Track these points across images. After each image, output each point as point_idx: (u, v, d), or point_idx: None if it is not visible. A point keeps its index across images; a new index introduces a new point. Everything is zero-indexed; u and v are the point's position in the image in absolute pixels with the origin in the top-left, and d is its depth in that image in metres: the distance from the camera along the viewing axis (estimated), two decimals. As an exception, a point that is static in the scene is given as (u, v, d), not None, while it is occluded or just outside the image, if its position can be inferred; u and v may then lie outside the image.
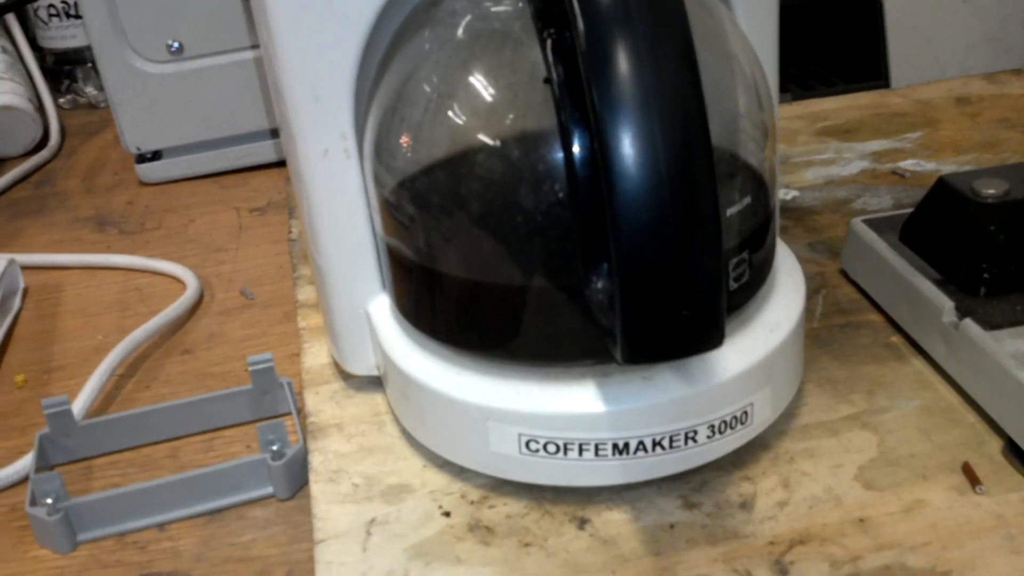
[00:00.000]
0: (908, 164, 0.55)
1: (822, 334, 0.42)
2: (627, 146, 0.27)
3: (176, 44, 0.61)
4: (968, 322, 0.36)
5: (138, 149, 0.64)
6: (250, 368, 0.41)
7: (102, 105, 0.79)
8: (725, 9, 0.36)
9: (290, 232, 0.55)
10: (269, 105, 0.63)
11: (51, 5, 0.75)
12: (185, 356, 0.47)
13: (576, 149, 0.30)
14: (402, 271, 0.37)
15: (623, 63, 0.27)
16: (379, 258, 0.38)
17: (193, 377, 0.45)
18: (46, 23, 0.76)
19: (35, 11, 0.76)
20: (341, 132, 0.36)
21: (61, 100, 0.78)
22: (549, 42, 0.30)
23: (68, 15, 0.76)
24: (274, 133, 0.64)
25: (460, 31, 0.34)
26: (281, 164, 0.65)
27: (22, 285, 0.54)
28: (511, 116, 0.33)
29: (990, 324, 0.36)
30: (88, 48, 0.77)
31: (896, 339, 0.41)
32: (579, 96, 0.29)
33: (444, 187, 0.34)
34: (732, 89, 0.33)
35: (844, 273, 0.46)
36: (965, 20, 0.65)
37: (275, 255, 0.55)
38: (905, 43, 0.65)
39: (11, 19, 0.77)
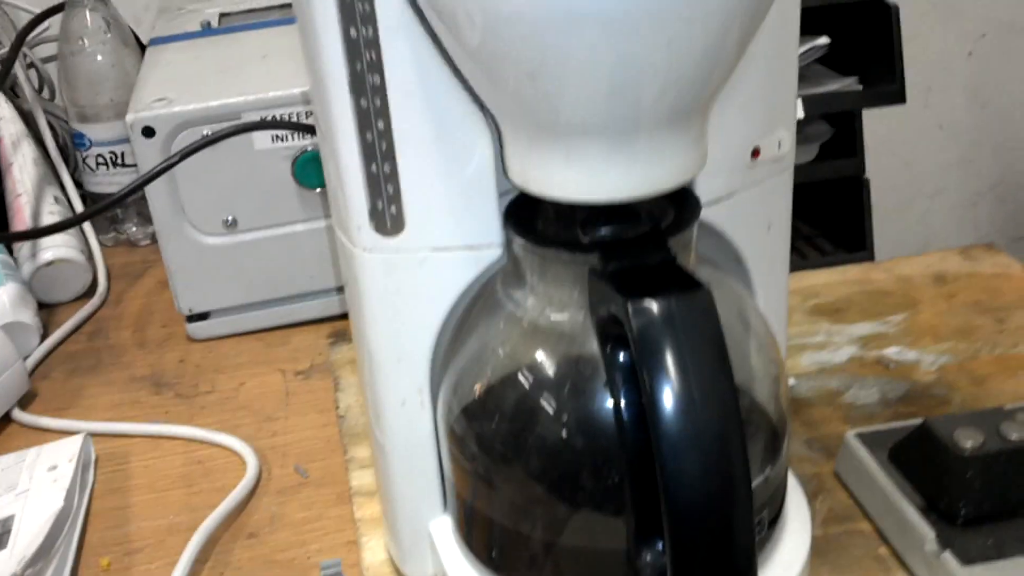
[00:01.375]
0: (892, 353, 0.62)
1: (820, 544, 0.48)
2: (678, 438, 0.33)
3: (231, 218, 0.67)
4: (947, 555, 0.43)
5: (190, 310, 0.70)
6: (322, 573, 0.46)
7: (142, 243, 0.84)
8: (746, 292, 0.43)
9: (337, 407, 0.61)
10: (310, 271, 0.69)
11: (99, 155, 0.81)
12: (251, 540, 0.53)
13: (631, 438, 0.36)
14: (462, 505, 0.43)
15: (670, 362, 0.33)
16: (443, 487, 0.44)
17: (261, 564, 0.51)
18: (94, 170, 0.82)
19: (84, 159, 0.82)
20: (418, 387, 0.42)
21: (103, 238, 0.84)
22: (608, 345, 0.36)
23: (115, 164, 0.81)
24: (314, 294, 0.70)
25: (525, 323, 0.40)
26: (318, 321, 0.71)
27: (94, 456, 0.59)
28: (571, 396, 0.39)
29: (967, 558, 0.42)
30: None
31: (884, 551, 0.47)
32: (634, 388, 0.35)
33: (504, 446, 0.40)
34: (756, 379, 0.40)
35: (838, 476, 0.52)
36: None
37: (323, 426, 0.61)
38: (888, 219, 0.72)
39: (62, 168, 0.82)
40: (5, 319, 0.68)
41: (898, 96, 0.79)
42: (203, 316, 0.71)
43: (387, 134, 0.38)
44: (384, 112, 0.38)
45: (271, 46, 0.74)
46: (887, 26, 0.80)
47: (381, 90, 0.37)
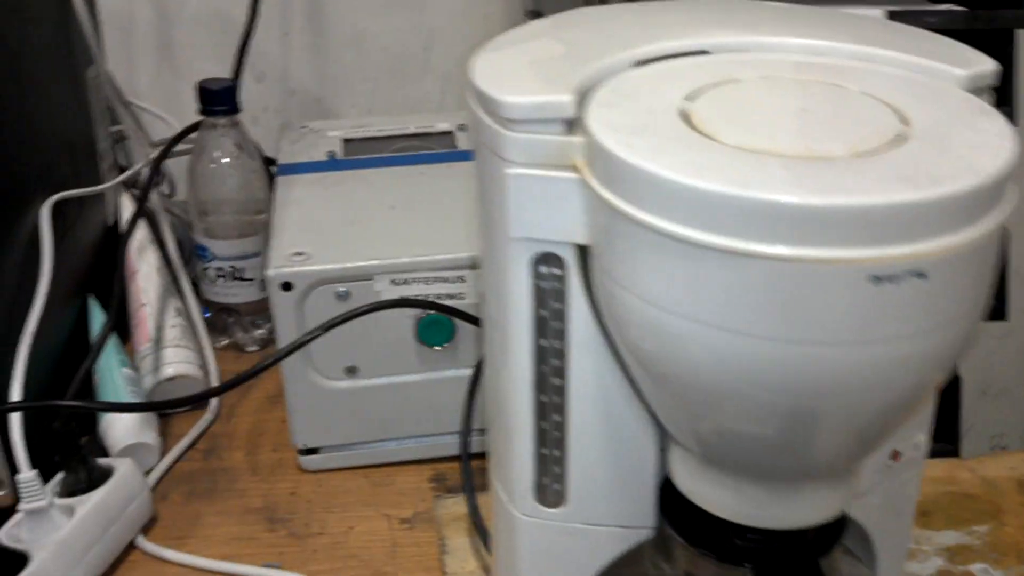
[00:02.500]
0: (978, 570, 0.64)
1: None
2: None
3: (352, 366, 0.71)
4: None
5: (304, 445, 0.74)
6: None
7: (248, 349, 0.88)
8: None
9: (444, 573, 0.65)
10: (418, 416, 0.73)
11: (220, 268, 0.85)
12: None
13: None
14: None
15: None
16: None
17: None
18: (213, 281, 0.86)
19: (204, 269, 0.86)
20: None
21: (216, 344, 0.88)
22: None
23: (234, 278, 0.85)
24: (417, 437, 0.74)
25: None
26: (419, 462, 0.75)
27: (217, 601, 0.63)
28: None
29: None
30: (245, 303, 0.87)
31: None
32: None
33: None
34: None
35: None
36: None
37: (429, 588, 0.65)
38: (977, 412, 0.75)
39: (183, 278, 0.87)
40: (129, 440, 0.72)
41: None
42: (314, 450, 0.74)
43: (561, 426, 0.41)
44: (561, 408, 0.41)
45: (397, 195, 0.78)
46: None
47: (561, 391, 0.40)
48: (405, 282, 0.69)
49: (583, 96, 0.37)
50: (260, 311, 0.88)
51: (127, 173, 0.86)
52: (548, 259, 0.38)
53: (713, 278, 0.32)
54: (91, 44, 0.82)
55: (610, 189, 0.34)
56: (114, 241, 0.88)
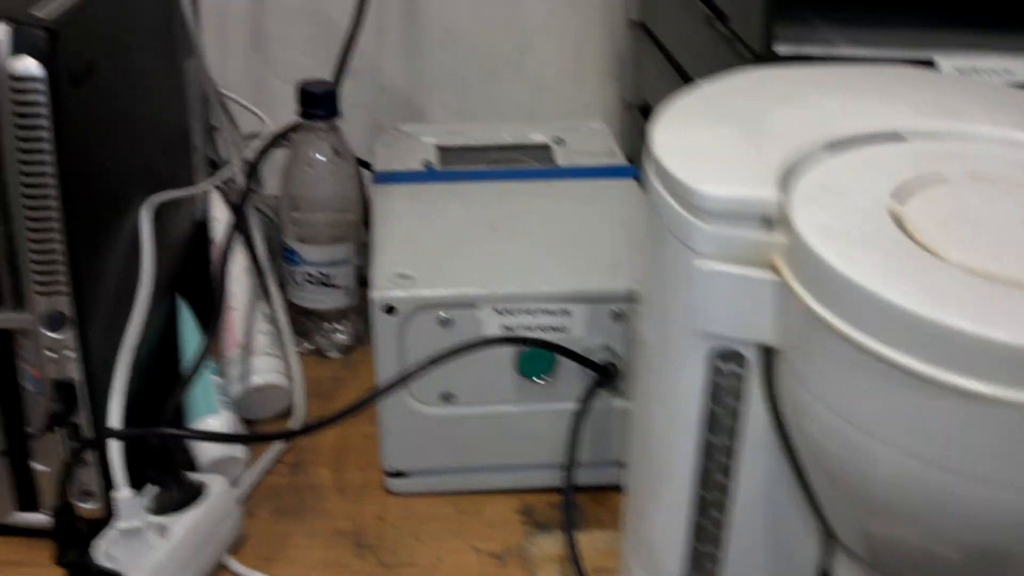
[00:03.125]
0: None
1: None
2: None
3: (448, 392, 0.69)
4: None
5: (393, 468, 0.72)
6: None
7: (330, 355, 0.87)
8: None
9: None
10: (512, 446, 0.71)
11: (309, 273, 0.83)
12: None
13: None
14: None
15: None
16: None
17: None
18: (300, 286, 0.84)
19: (292, 273, 0.84)
20: None
21: (298, 348, 0.86)
22: None
23: (323, 284, 0.84)
24: (509, 468, 0.72)
25: None
26: (507, 492, 0.73)
27: (308, 632, 0.62)
28: None
29: None
30: (331, 310, 0.85)
31: None
32: None
33: None
34: None
35: None
36: None
37: (522, 630, 0.63)
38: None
39: (271, 281, 0.85)
40: (219, 453, 0.71)
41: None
42: (402, 473, 0.73)
43: (720, 523, 0.39)
44: (722, 506, 0.39)
45: (497, 214, 0.76)
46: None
47: (725, 488, 0.39)
48: (509, 312, 0.67)
49: (782, 186, 0.34)
50: (343, 316, 0.87)
51: (222, 173, 0.84)
52: (728, 355, 0.36)
53: (936, 414, 0.29)
54: (193, 34, 0.80)
55: (821, 300, 0.32)
56: (202, 238, 0.87)
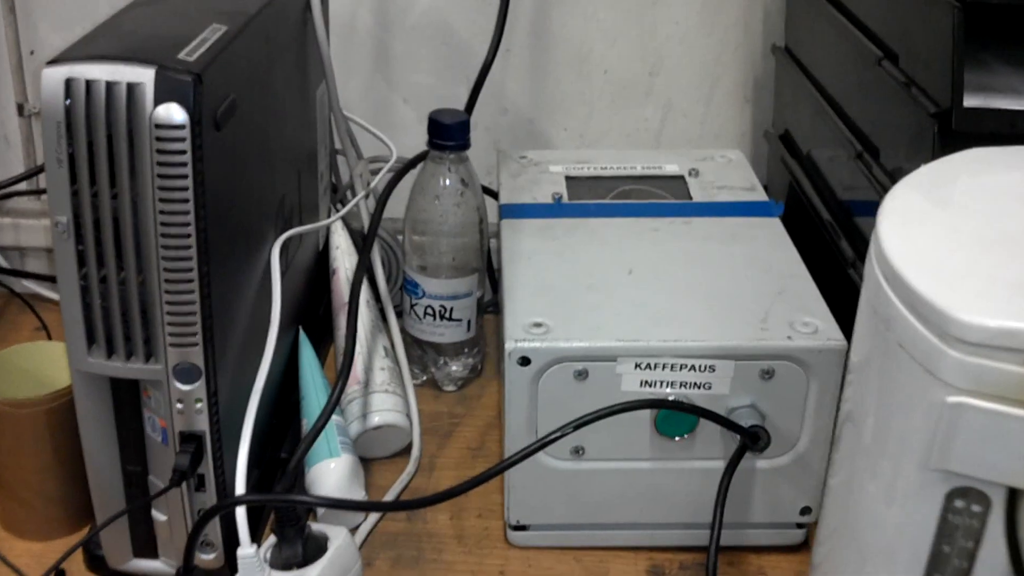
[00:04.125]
0: None
1: None
2: None
3: (581, 447, 0.66)
4: None
5: (518, 522, 0.69)
6: None
7: (446, 388, 0.84)
8: None
9: None
10: (642, 504, 0.68)
11: (429, 306, 0.80)
12: None
13: None
14: None
15: None
16: None
17: None
18: (420, 319, 0.81)
19: (412, 306, 0.81)
20: None
21: (413, 379, 0.83)
22: None
23: (443, 317, 0.81)
24: (638, 525, 0.69)
25: None
26: (633, 550, 0.69)
27: None
28: None
29: None
30: (449, 344, 0.82)
31: None
32: None
33: None
34: None
35: None
36: None
37: None
38: None
39: (391, 312, 0.82)
40: (339, 494, 0.69)
41: None
42: (525, 526, 0.70)
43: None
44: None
45: (634, 255, 0.72)
46: None
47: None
48: (650, 367, 0.63)
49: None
50: (461, 350, 0.84)
51: (348, 207, 0.81)
52: (968, 493, 0.32)
53: None
54: (326, 59, 0.78)
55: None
56: (323, 267, 0.85)
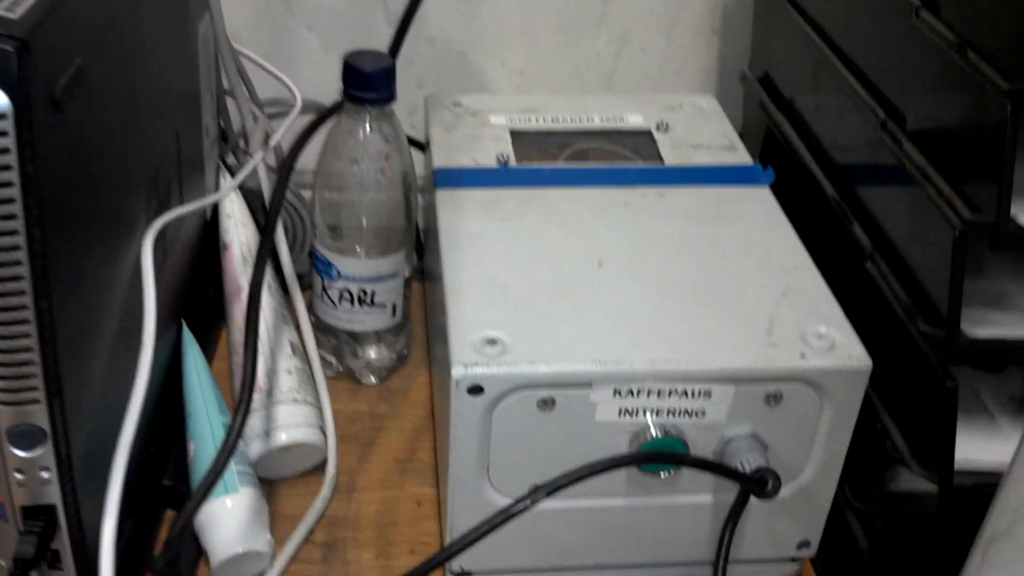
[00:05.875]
0: None
1: None
2: None
3: (542, 484, 0.53)
4: None
5: (461, 569, 0.56)
6: None
7: (366, 382, 0.70)
8: None
9: None
10: (614, 544, 0.56)
11: (346, 290, 0.66)
12: None
13: None
14: None
15: None
16: None
17: None
18: (334, 304, 0.67)
19: (324, 289, 0.67)
20: None
21: (325, 370, 0.69)
22: None
23: (363, 303, 0.66)
24: (608, 567, 0.57)
25: None
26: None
27: None
28: None
29: None
30: (371, 333, 0.68)
31: None
32: None
33: None
34: None
35: None
36: None
37: None
38: None
39: (298, 298, 0.68)
40: (237, 547, 0.55)
41: None
42: (468, 572, 0.57)
43: None
44: None
45: (603, 241, 0.58)
46: None
47: None
48: (632, 393, 0.51)
49: None
50: (383, 339, 0.70)
51: (241, 176, 0.65)
52: None
53: None
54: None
55: None
56: (211, 242, 0.69)
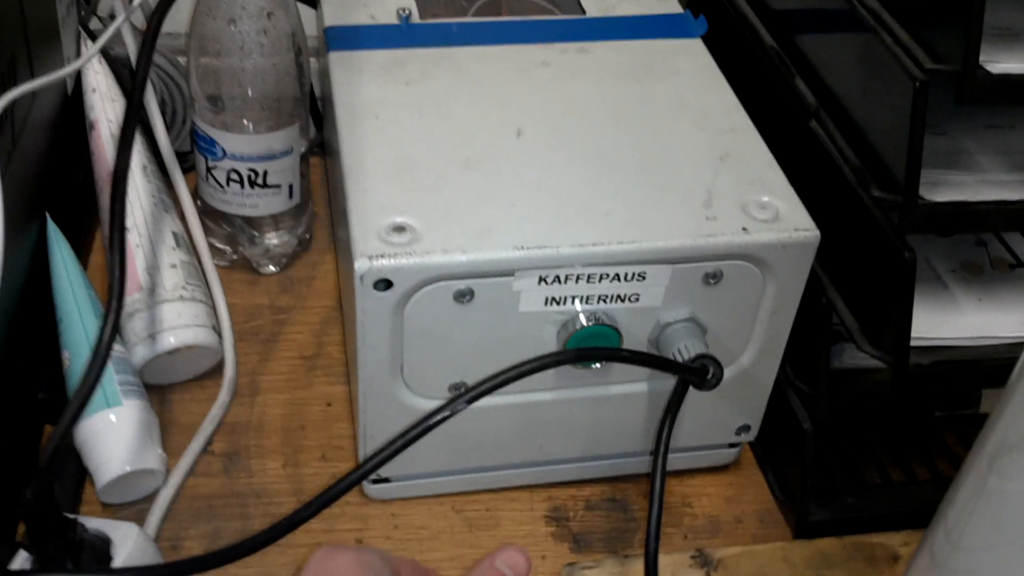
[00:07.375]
0: None
1: None
2: None
3: (460, 383, 0.48)
4: None
5: (378, 476, 0.52)
6: None
7: (264, 271, 0.64)
8: None
9: None
10: (542, 440, 0.51)
11: (234, 171, 0.59)
12: None
13: None
14: None
15: None
16: None
17: None
18: (222, 187, 0.59)
19: (209, 169, 0.59)
20: None
21: (217, 260, 0.62)
22: None
23: (253, 184, 0.59)
24: (534, 463, 0.53)
25: None
26: (525, 489, 0.54)
27: None
28: None
29: None
30: (265, 217, 0.61)
31: None
32: None
33: None
34: None
35: None
36: None
37: None
38: None
39: (179, 179, 0.60)
40: (124, 466, 0.49)
41: None
42: (387, 478, 0.53)
43: None
44: None
45: (521, 105, 0.52)
46: None
47: None
48: (559, 280, 0.45)
49: None
50: (281, 220, 0.63)
51: (102, 41, 0.56)
52: None
53: None
54: None
55: None
56: (76, 120, 0.60)
